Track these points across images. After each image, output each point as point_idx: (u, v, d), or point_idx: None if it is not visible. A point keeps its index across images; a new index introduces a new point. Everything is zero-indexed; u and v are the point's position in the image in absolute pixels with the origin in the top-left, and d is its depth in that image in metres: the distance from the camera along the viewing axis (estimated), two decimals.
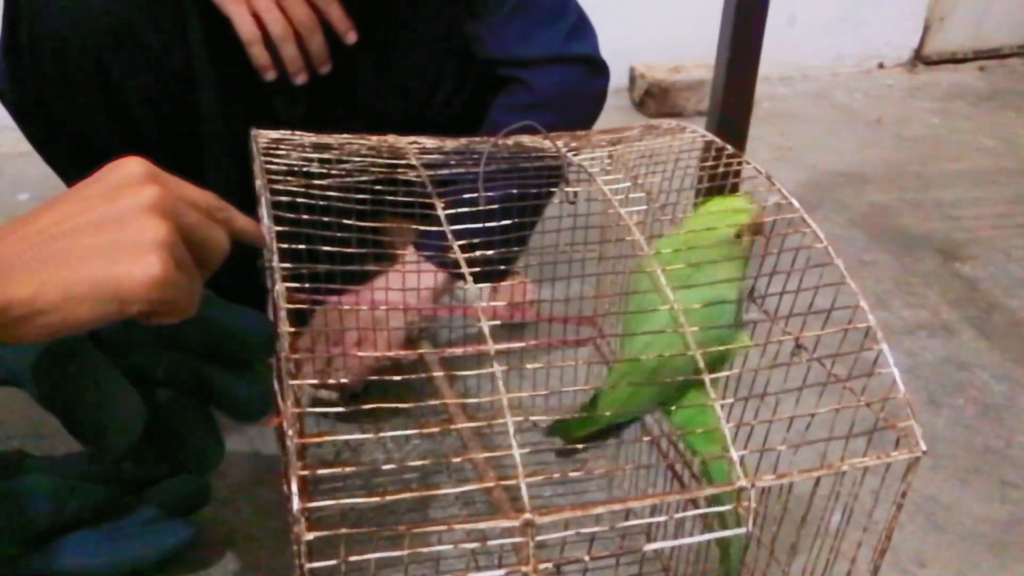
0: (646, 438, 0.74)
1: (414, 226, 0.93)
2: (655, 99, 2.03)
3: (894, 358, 0.47)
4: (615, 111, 2.02)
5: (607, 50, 1.06)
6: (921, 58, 2.40)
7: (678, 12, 2.05)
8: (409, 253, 0.96)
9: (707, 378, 0.46)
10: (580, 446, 0.73)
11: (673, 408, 0.60)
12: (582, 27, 1.06)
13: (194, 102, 0.99)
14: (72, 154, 0.99)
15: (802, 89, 2.23)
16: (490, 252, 0.50)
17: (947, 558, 0.86)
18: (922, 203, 1.63)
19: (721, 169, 0.59)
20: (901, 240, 1.49)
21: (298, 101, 1.02)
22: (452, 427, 0.64)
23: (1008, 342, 1.22)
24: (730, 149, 0.58)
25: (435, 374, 0.75)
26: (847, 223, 1.55)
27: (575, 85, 1.05)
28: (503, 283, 1.16)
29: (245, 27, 0.91)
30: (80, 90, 0.91)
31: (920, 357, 1.17)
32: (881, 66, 2.39)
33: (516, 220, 0.61)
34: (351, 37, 0.97)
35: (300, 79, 0.96)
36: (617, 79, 2.17)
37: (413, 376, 0.46)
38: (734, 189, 0.56)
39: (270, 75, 0.94)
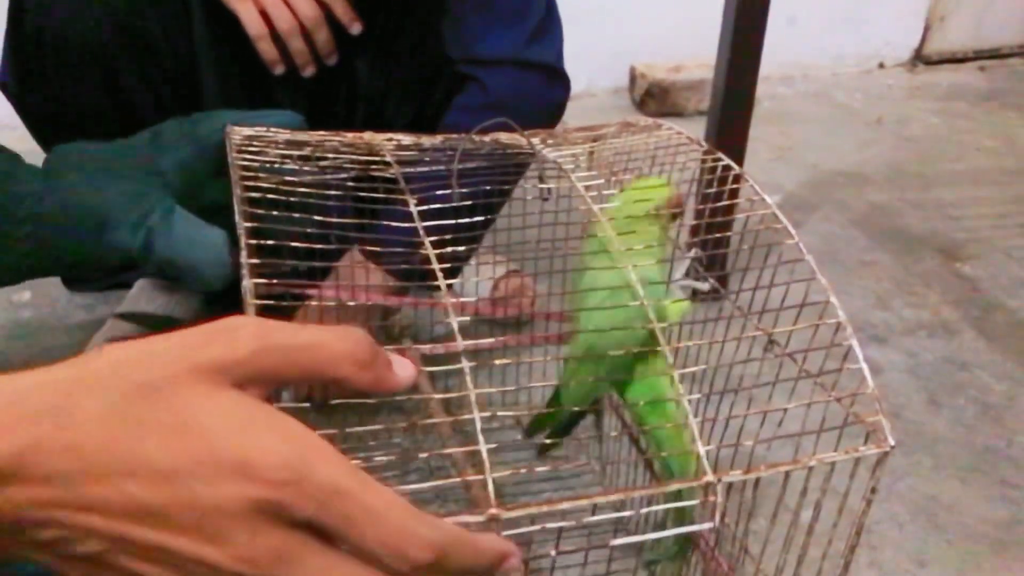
0: (614, 433, 0.75)
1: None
2: (655, 99, 2.03)
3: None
4: (616, 111, 2.01)
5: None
6: (921, 58, 2.39)
7: (678, 12, 2.05)
8: (356, 254, 0.93)
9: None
10: (553, 440, 0.73)
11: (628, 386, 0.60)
12: (546, 31, 1.03)
13: (197, 94, 1.00)
14: None
15: (802, 89, 2.23)
16: (448, 249, 0.50)
17: (947, 558, 0.85)
18: (922, 203, 1.62)
19: (699, 166, 0.59)
20: (901, 240, 1.49)
21: (300, 94, 1.03)
22: (419, 423, 0.64)
23: (1008, 342, 1.21)
24: (705, 146, 0.58)
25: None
26: (847, 223, 1.54)
27: (530, 92, 1.02)
28: (502, 279, 1.16)
29: (253, 24, 0.92)
30: (83, 81, 0.93)
31: (920, 357, 1.16)
32: (881, 66, 2.38)
33: (482, 217, 0.61)
34: (356, 28, 0.98)
35: (309, 72, 0.97)
36: (617, 79, 2.18)
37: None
38: (709, 185, 0.56)
39: (279, 69, 0.96)
